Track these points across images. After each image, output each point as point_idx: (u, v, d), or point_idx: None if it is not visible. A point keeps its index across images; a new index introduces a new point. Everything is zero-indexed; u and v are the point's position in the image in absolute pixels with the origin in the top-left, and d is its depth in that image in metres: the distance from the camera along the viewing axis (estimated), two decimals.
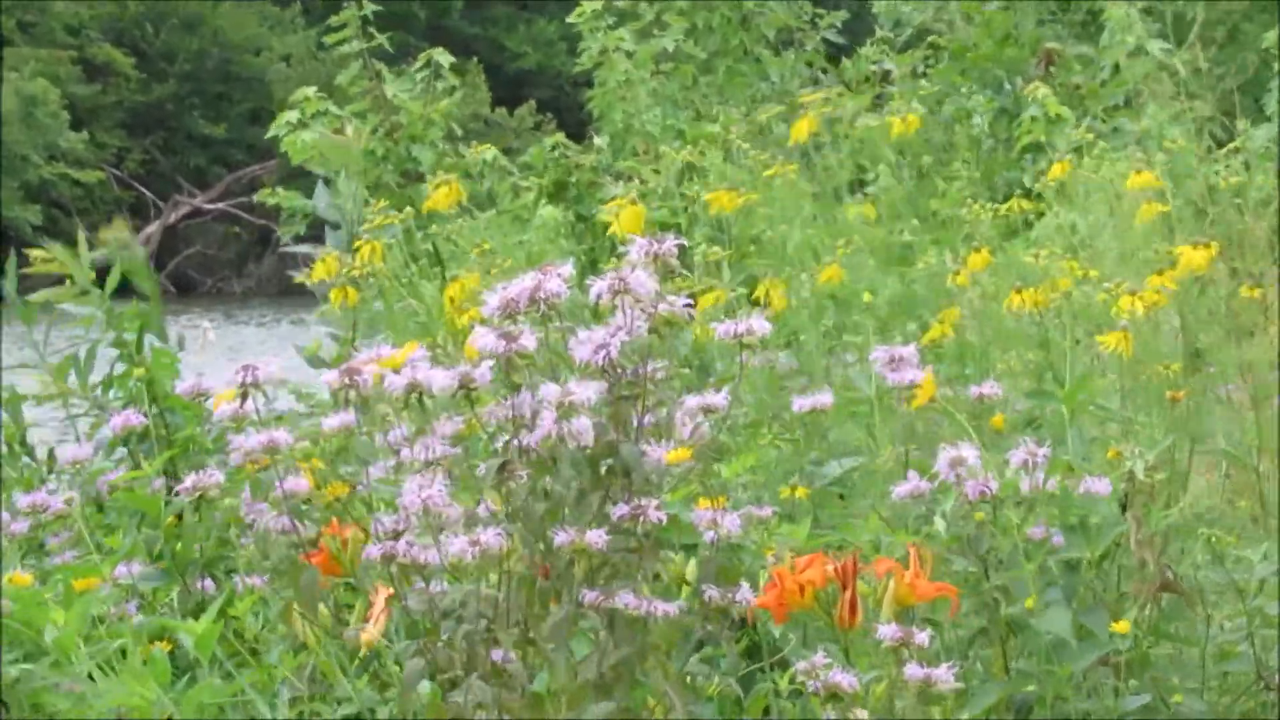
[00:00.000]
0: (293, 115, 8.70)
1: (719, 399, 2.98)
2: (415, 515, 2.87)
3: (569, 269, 2.88)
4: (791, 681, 3.09)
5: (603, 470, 2.82)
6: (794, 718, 2.87)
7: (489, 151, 8.26)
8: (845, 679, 2.76)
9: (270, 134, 8.87)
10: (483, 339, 2.83)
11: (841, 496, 4.12)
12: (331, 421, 3.08)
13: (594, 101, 9.24)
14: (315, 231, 8.81)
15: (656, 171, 7.17)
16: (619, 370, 2.82)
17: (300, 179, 9.65)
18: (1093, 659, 3.31)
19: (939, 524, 3.29)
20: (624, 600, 2.78)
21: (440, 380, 2.90)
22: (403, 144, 8.90)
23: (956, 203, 6.35)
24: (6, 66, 34.10)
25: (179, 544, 3.98)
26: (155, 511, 4.16)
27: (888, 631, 2.84)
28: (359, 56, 9.37)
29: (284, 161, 8.89)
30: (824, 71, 11.08)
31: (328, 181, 8.36)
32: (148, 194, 32.42)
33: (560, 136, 9.04)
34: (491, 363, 2.84)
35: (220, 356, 5.56)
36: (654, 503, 2.79)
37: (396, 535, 2.94)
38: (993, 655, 3.33)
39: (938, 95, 9.26)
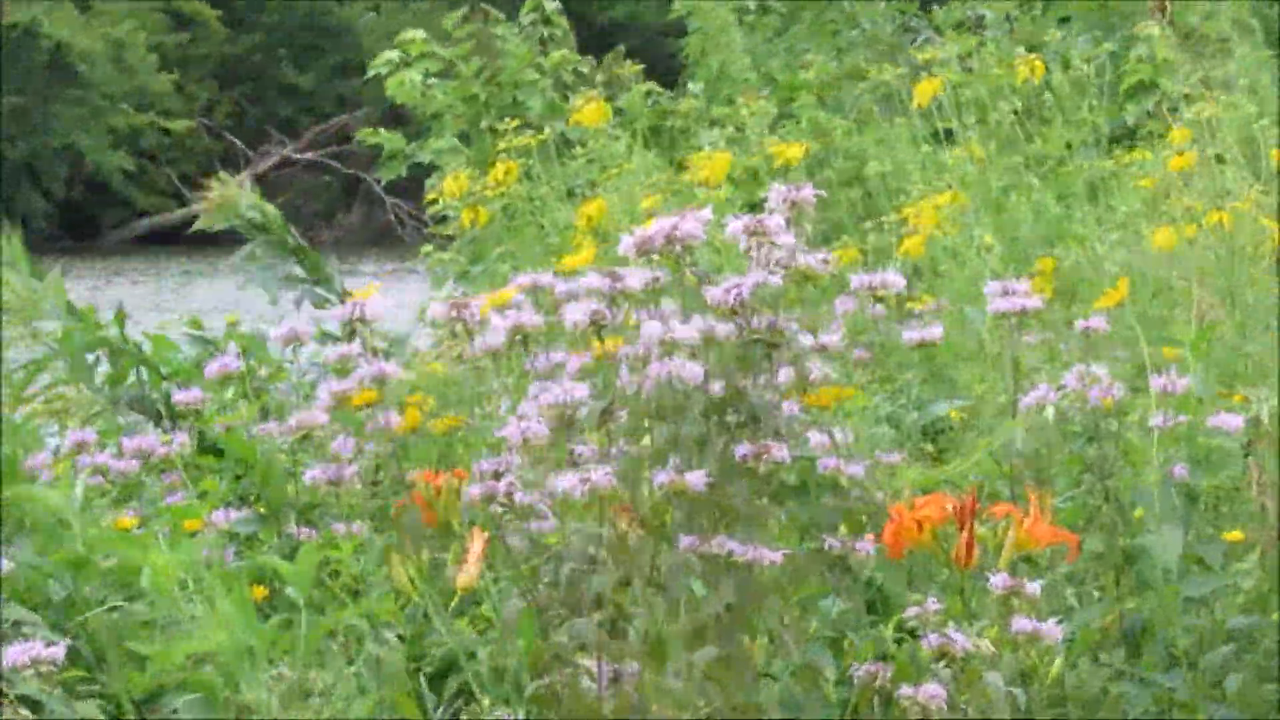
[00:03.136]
0: (393, 54, 8.66)
1: (833, 339, 2.96)
2: (516, 451, 2.85)
3: (708, 213, 2.84)
4: (899, 628, 3.05)
5: (729, 418, 2.79)
6: (904, 662, 2.82)
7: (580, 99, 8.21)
8: (959, 640, 2.68)
9: (370, 73, 8.82)
10: (588, 278, 2.80)
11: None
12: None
13: (688, 48, 9.18)
14: (415, 173, 8.76)
15: (746, 122, 7.12)
16: (752, 316, 2.77)
17: (396, 124, 9.58)
18: (1205, 590, 3.25)
19: (1049, 413, 3.24)
20: (729, 546, 2.74)
21: (572, 314, 2.86)
22: (506, 90, 8.82)
23: (1056, 147, 6.29)
24: (92, 15, 34.19)
25: (273, 489, 3.97)
26: (251, 456, 4.16)
27: (999, 581, 2.79)
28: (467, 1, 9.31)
29: (373, 111, 8.85)
30: (915, 18, 11.01)
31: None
32: (238, 143, 32.47)
33: (652, 84, 8.99)
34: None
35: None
36: (778, 444, 2.75)
37: (497, 475, 2.92)
38: (1106, 581, 3.28)
39: (1032, 41, 9.16)
